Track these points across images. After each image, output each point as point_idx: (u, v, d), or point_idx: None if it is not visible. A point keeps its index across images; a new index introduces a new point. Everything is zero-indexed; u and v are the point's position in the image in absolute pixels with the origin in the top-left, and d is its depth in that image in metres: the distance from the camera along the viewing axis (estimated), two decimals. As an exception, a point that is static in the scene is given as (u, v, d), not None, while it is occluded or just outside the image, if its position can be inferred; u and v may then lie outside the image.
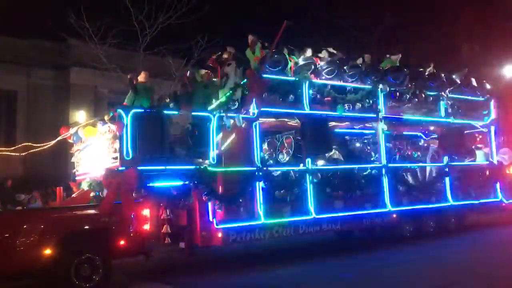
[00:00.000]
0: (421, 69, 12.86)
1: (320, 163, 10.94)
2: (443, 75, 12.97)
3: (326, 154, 11.20)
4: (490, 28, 24.43)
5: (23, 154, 11.17)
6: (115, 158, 8.63)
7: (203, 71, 10.89)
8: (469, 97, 13.59)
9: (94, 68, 20.66)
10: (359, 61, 12.14)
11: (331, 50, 11.75)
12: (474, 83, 13.66)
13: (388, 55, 12.95)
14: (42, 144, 10.65)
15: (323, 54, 11.60)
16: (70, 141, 10.78)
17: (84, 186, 9.91)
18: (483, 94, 13.88)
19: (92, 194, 9.54)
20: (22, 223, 7.60)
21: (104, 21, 18.63)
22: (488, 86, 14.05)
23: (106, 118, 9.03)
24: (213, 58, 11.23)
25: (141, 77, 10.14)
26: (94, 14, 18.70)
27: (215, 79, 10.95)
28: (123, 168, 8.35)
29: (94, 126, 10.05)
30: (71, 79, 23.29)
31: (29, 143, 10.85)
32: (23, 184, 15.63)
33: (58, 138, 10.68)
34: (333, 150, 11.61)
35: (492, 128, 13.84)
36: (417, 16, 26.25)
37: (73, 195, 10.28)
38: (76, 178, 10.56)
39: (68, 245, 7.61)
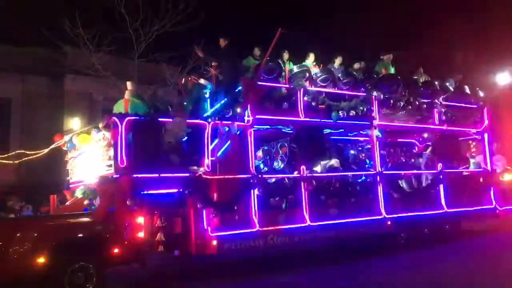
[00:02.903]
0: (415, 77, 12.95)
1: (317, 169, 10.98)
2: (436, 82, 13.07)
3: (323, 162, 11.22)
4: (483, 35, 24.66)
5: (17, 162, 11.11)
6: (110, 166, 8.61)
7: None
8: (463, 105, 13.68)
9: (89, 75, 20.66)
10: (354, 67, 12.29)
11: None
12: (468, 90, 13.76)
13: (381, 57, 13.03)
14: (36, 152, 10.60)
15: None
16: (64, 148, 10.74)
17: (78, 194, 9.87)
18: (477, 102, 13.97)
19: (86, 202, 9.49)
20: (15, 231, 7.55)
21: (99, 29, 18.68)
22: (481, 94, 14.14)
23: (100, 125, 9.01)
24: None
25: (129, 87, 10.02)
26: (89, 22, 18.76)
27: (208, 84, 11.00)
28: (118, 175, 8.33)
29: (88, 134, 10.03)
30: (66, 87, 23.25)
31: (23, 151, 10.80)
32: (16, 191, 15.53)
33: (52, 146, 10.64)
34: (333, 159, 11.64)
35: (486, 135, 13.90)
36: (410, 23, 26.51)
37: (67, 203, 10.22)
38: (70, 185, 10.52)
39: (62, 253, 7.56)
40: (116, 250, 8.09)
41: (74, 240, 7.92)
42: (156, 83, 20.36)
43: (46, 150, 10.60)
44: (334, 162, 11.64)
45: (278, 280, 9.06)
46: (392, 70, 12.81)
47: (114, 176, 8.38)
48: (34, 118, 22.39)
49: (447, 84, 13.10)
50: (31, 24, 21.05)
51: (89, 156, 9.74)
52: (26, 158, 10.82)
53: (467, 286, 8.18)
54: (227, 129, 9.68)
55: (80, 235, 8.09)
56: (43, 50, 22.71)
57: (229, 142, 9.72)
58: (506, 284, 8.18)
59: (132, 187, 8.27)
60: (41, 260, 7.39)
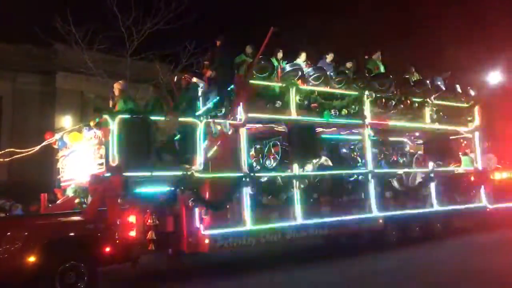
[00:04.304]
0: (407, 76, 13.02)
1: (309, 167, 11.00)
2: (428, 81, 13.14)
3: (314, 161, 11.24)
4: (475, 34, 24.83)
5: (7, 159, 11.02)
6: (101, 164, 8.56)
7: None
8: (454, 104, 13.77)
9: (81, 73, 20.54)
10: (346, 66, 12.33)
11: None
12: (459, 89, 13.85)
13: (372, 56, 13.08)
14: (26, 150, 10.52)
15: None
16: (55, 146, 10.67)
17: (69, 193, 9.81)
18: (468, 101, 14.06)
19: (77, 200, 9.44)
20: (5, 230, 7.48)
21: (91, 26, 18.59)
22: (472, 93, 14.22)
23: (91, 123, 8.95)
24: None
25: (117, 87, 9.94)
26: (80, 19, 18.66)
27: (201, 83, 10.98)
28: (109, 174, 8.29)
29: (80, 132, 9.97)
30: (57, 84, 23.15)
31: (13, 149, 10.71)
32: (7, 190, 15.44)
33: (43, 144, 10.56)
34: (323, 157, 11.66)
35: (477, 134, 13.99)
36: (402, 22, 26.62)
37: (58, 202, 10.16)
38: (61, 184, 10.46)
39: (53, 252, 7.50)
40: (107, 249, 8.06)
41: (65, 239, 7.85)
42: (149, 81, 20.30)
43: (36, 148, 10.52)
44: (323, 160, 11.66)
45: (270, 278, 9.07)
46: (382, 67, 12.87)
47: (106, 174, 8.33)
48: (25, 116, 22.28)
49: (437, 82, 13.16)
50: (22, 22, 20.91)
51: (80, 155, 9.69)
52: (17, 156, 10.72)
53: (458, 283, 8.24)
54: (219, 127, 9.67)
55: (71, 234, 8.02)
56: (34, 47, 22.58)
57: (221, 140, 9.70)
58: (495, 281, 8.24)
59: (123, 186, 8.22)
60: (31, 259, 7.32)
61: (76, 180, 9.71)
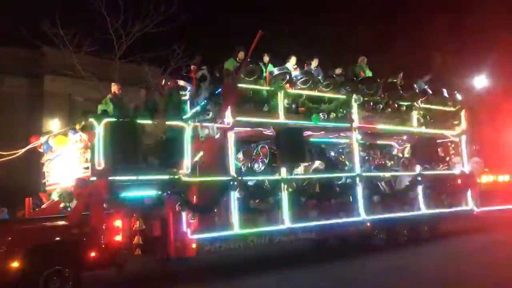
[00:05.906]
0: (394, 80, 13.09)
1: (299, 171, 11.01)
2: (415, 85, 13.22)
3: (305, 164, 11.24)
4: (461, 39, 25.09)
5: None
6: (86, 168, 8.51)
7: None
8: (441, 108, 13.87)
9: (69, 76, 20.41)
10: (335, 72, 12.38)
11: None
12: (446, 93, 13.95)
13: (357, 63, 13.15)
14: (10, 153, 10.39)
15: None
16: (41, 150, 10.56)
17: (54, 197, 9.71)
18: (455, 105, 14.17)
19: (62, 204, 9.34)
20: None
21: (80, 29, 18.50)
22: (459, 97, 14.34)
23: (77, 127, 8.88)
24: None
25: (114, 89, 9.91)
26: (69, 22, 18.55)
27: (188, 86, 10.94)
28: (94, 178, 8.22)
29: (65, 135, 9.88)
30: (45, 87, 22.94)
31: (-2, 153, 10.59)
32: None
33: (27, 147, 10.46)
34: (316, 161, 11.66)
35: (463, 138, 14.10)
36: (389, 26, 26.84)
37: (43, 206, 10.06)
38: (47, 188, 10.35)
39: (37, 257, 7.45)
40: (93, 254, 7.99)
41: (50, 244, 7.79)
42: (138, 84, 20.22)
43: (21, 152, 10.40)
44: (319, 164, 11.68)
45: (258, 282, 9.05)
46: (368, 72, 12.93)
47: (91, 178, 8.26)
48: (12, 119, 22.01)
49: (415, 85, 13.22)
50: (10, 24, 20.71)
51: (65, 158, 9.60)
52: (2, 159, 10.59)
53: (444, 285, 8.28)
54: (207, 131, 9.64)
55: (56, 238, 7.95)
56: (21, 50, 22.36)
57: (208, 144, 9.67)
58: (480, 282, 8.31)
59: (109, 190, 8.16)
60: (15, 264, 7.27)
61: (61, 184, 9.62)
